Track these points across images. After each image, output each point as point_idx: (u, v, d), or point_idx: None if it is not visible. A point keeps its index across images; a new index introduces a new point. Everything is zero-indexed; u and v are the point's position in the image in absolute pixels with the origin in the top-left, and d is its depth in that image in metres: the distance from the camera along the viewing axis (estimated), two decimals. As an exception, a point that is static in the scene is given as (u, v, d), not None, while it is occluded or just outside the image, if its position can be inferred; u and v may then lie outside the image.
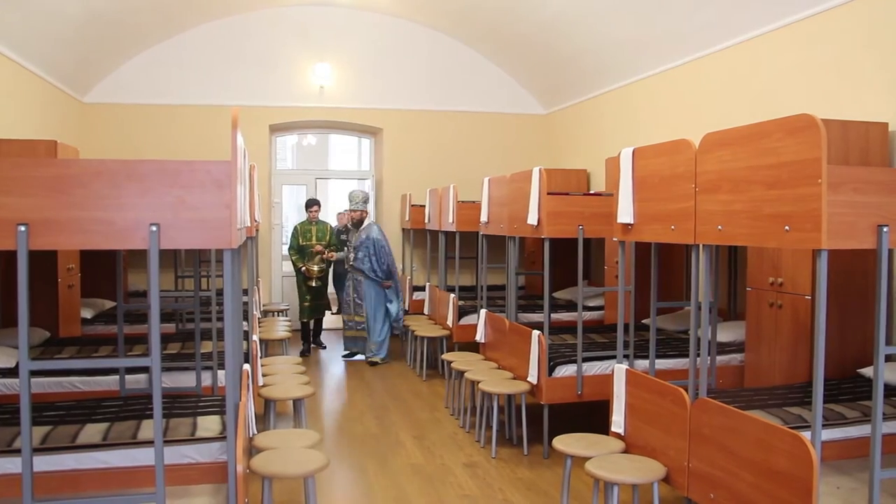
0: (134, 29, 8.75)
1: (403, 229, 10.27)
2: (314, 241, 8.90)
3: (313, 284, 8.86)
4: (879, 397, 2.85)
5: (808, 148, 2.79)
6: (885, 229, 2.82)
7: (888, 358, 4.44)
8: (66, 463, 3.24)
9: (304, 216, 9.23)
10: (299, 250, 8.91)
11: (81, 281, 6.54)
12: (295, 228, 9.07)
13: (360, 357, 8.66)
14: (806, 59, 5.55)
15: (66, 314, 6.06)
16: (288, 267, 11.18)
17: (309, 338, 9.25)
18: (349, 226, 8.57)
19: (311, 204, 9.12)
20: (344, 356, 8.74)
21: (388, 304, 8.38)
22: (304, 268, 8.82)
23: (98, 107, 9.48)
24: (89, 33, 7.90)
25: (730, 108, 6.41)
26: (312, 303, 9.01)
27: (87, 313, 6.81)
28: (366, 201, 8.37)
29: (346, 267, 8.49)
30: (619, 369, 4.23)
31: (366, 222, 8.36)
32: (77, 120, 9.13)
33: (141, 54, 9.55)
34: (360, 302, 8.35)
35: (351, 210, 8.37)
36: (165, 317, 6.81)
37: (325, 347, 9.42)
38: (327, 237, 8.99)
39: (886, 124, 4.69)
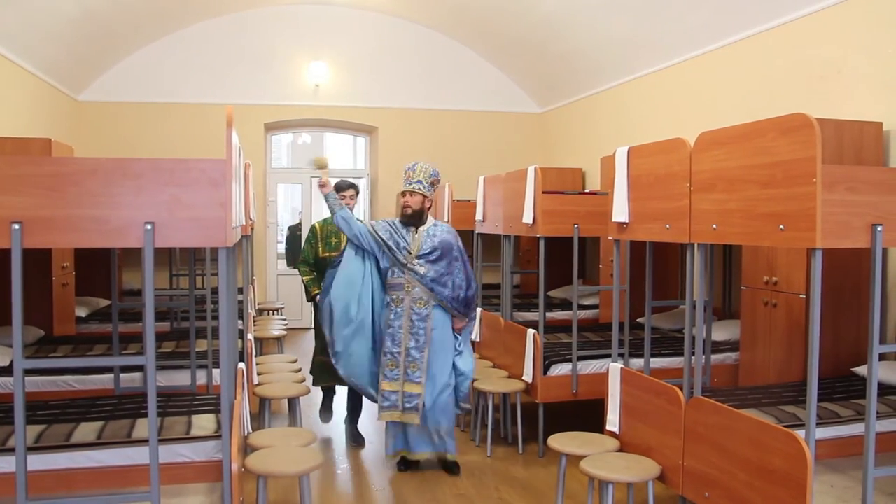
0: (129, 27, 8.73)
1: (399, 228, 10.27)
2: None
3: None
4: (873, 396, 2.86)
5: (803, 147, 2.80)
6: (879, 228, 2.83)
7: (882, 357, 4.45)
8: (60, 462, 3.23)
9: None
10: (316, 264, 5.50)
11: (76, 279, 6.53)
12: (312, 229, 5.62)
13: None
14: (801, 59, 5.56)
15: (60, 313, 6.05)
16: (283, 265, 11.19)
17: (331, 407, 5.84)
18: (399, 221, 4.95)
19: (345, 187, 5.46)
20: (402, 466, 4.96)
21: (457, 356, 4.90)
22: (319, 296, 5.05)
23: (93, 105, 9.46)
24: (84, 31, 7.88)
25: (725, 108, 6.42)
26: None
27: (81, 312, 6.80)
28: (434, 183, 5.01)
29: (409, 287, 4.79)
30: (614, 368, 4.24)
31: (430, 218, 5.01)
32: (71, 118, 9.10)
33: (136, 52, 9.53)
34: (418, 355, 4.74)
35: (410, 193, 4.90)
36: (160, 315, 6.79)
37: (362, 444, 5.53)
38: None
39: (881, 124, 4.70)
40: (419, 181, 4.89)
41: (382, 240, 4.81)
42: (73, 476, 3.23)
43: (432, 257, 4.80)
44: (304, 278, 5.53)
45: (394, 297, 4.81)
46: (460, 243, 4.96)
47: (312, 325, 5.58)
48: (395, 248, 4.80)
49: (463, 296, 4.83)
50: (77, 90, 9.25)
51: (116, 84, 9.52)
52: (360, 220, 4.99)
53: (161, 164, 2.56)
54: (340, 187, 5.43)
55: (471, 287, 4.88)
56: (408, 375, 4.74)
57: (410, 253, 4.79)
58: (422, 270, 4.76)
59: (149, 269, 2.55)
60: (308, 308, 10.67)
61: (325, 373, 5.41)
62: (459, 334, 4.91)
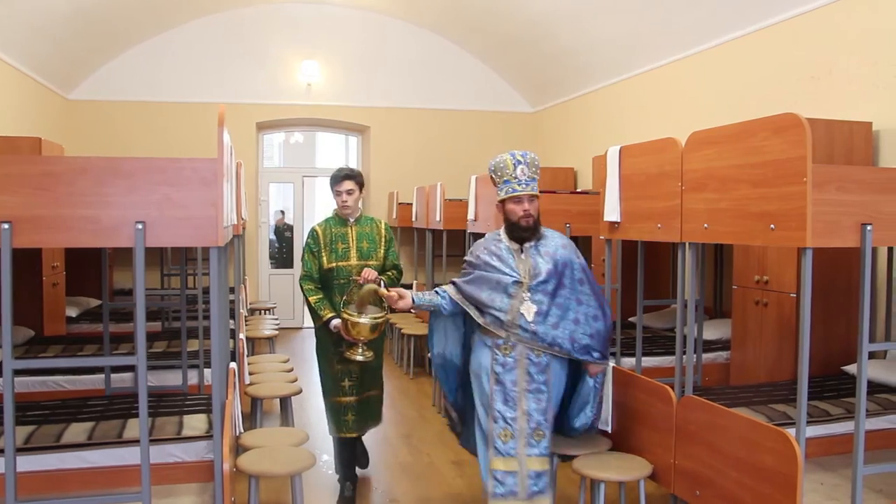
0: (120, 25, 8.70)
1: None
2: (354, 262, 4.28)
3: (359, 357, 4.09)
4: (863, 394, 2.88)
5: (794, 147, 2.81)
6: (868, 228, 2.85)
7: (871, 355, 4.48)
8: (50, 463, 3.22)
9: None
10: (322, 279, 4.30)
11: (66, 279, 6.50)
12: (312, 234, 4.35)
13: None
14: (792, 59, 5.58)
15: (50, 312, 6.02)
16: (277, 267, 11.18)
17: (352, 465, 4.56)
18: (502, 235, 3.55)
19: (345, 177, 4.31)
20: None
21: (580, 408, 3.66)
22: (334, 320, 4.15)
23: (83, 104, 9.43)
24: (75, 29, 7.85)
25: (716, 107, 6.44)
26: (359, 397, 4.40)
27: (72, 312, 6.77)
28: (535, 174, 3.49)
29: (520, 329, 3.40)
30: (606, 367, 4.24)
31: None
32: (62, 117, 9.07)
33: (127, 51, 9.51)
34: (543, 419, 3.46)
35: (529, 198, 3.45)
36: (151, 315, 6.77)
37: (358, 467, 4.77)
38: (381, 247, 4.38)
39: (870, 123, 4.72)
40: (533, 180, 3.47)
41: (484, 262, 3.49)
42: (64, 477, 3.22)
43: (550, 286, 3.40)
44: (309, 298, 4.25)
45: (500, 340, 3.44)
46: (580, 255, 3.56)
47: (316, 357, 4.50)
48: (506, 271, 3.43)
49: (600, 330, 3.46)
50: (67, 89, 9.21)
51: (107, 83, 9.49)
52: (446, 287, 3.64)
53: (152, 163, 2.55)
54: (336, 178, 4.31)
55: (606, 315, 3.50)
56: (531, 447, 3.41)
57: (521, 283, 3.39)
58: (538, 308, 3.38)
59: (140, 269, 2.54)
60: (301, 308, 10.66)
61: (344, 419, 4.37)
62: (592, 377, 3.57)
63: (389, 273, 4.38)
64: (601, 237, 4.29)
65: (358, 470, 4.79)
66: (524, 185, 3.43)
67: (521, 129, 10.70)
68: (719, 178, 3.24)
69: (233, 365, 4.35)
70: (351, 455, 4.54)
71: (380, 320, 4.00)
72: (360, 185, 4.38)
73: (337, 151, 11.80)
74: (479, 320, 3.47)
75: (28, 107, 7.82)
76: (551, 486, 3.54)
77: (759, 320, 4.86)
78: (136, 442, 3.22)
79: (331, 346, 4.30)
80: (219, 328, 2.80)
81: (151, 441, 3.19)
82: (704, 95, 6.69)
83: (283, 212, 11.43)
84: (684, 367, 3.71)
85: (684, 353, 3.75)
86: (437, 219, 7.73)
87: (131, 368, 4.56)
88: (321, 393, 4.52)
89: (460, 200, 7.49)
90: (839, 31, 5.14)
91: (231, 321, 5.45)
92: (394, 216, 9.78)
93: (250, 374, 5.46)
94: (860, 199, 2.85)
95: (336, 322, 4.15)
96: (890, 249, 4.53)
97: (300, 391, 5.10)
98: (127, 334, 5.73)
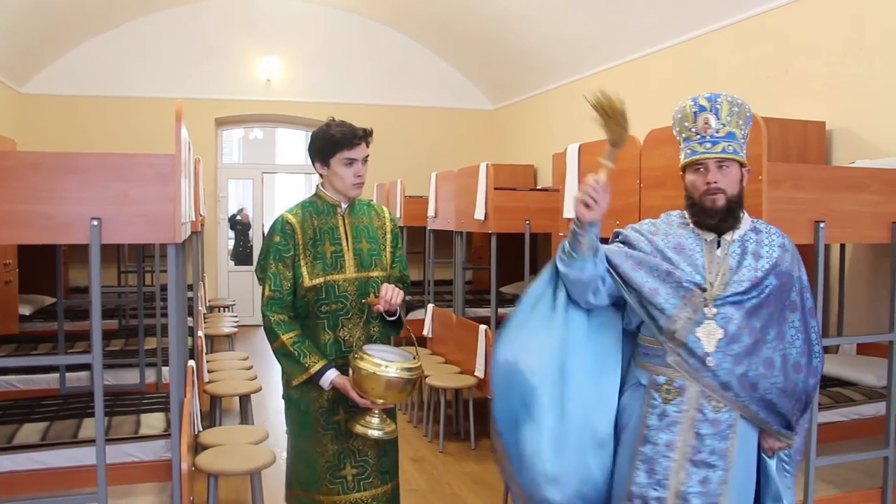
0: (76, 17, 8.53)
1: (352, 224, 10.24)
2: (351, 274, 2.69)
3: (374, 432, 2.56)
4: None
5: (750, 145, 2.84)
6: (821, 225, 2.91)
7: (824, 350, 4.57)
8: (2, 464, 3.16)
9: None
10: (300, 304, 2.67)
11: (19, 276, 6.36)
12: (281, 227, 2.68)
13: None
14: (748, 59, 5.68)
15: (2, 311, 5.90)
16: (238, 263, 11.06)
17: None
18: (686, 221, 2.35)
19: (363, 138, 2.80)
20: None
21: None
22: (329, 372, 2.60)
23: (37, 97, 9.23)
24: (29, 21, 7.68)
25: (674, 106, 6.50)
26: (371, 493, 2.75)
27: (25, 310, 6.63)
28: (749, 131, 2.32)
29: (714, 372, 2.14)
30: (566, 363, 4.27)
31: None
32: (14, 111, 8.86)
33: (83, 44, 9.32)
34: None
35: (718, 163, 2.24)
36: (108, 313, 6.67)
37: None
38: (386, 249, 2.82)
39: (824, 123, 4.82)
40: (731, 135, 2.26)
41: (656, 247, 2.30)
42: (16, 479, 3.16)
43: (750, 302, 2.19)
44: (281, 337, 2.63)
45: (661, 378, 2.23)
46: (803, 267, 2.40)
47: (288, 432, 2.98)
48: (685, 269, 2.23)
49: (798, 386, 2.24)
50: (20, 82, 9.01)
51: (62, 76, 9.30)
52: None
53: (108, 158, 2.51)
54: (347, 138, 2.76)
55: (813, 367, 2.30)
56: None
57: (705, 290, 2.19)
58: (724, 330, 2.16)
59: (95, 266, 2.50)
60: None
61: None
62: (770, 456, 2.29)
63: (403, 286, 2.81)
64: (560, 234, 4.32)
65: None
66: (709, 144, 2.23)
67: (481, 126, 10.73)
68: (677, 176, 3.25)
69: (191, 363, 4.31)
70: None
71: (414, 373, 2.53)
72: (368, 143, 2.86)
73: (297, 147, 11.72)
74: (638, 310, 2.22)
75: (-22, 100, 7.64)
76: None
77: (716, 316, 4.93)
78: (91, 442, 3.17)
79: (320, 415, 2.73)
80: (177, 326, 2.76)
81: (108, 440, 3.14)
82: (662, 94, 6.77)
83: (242, 208, 11.34)
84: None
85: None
86: (398, 215, 7.72)
87: (87, 367, 4.49)
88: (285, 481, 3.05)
89: (420, 197, 7.49)
90: (795, 32, 5.24)
91: (189, 319, 5.39)
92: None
93: (209, 371, 5.41)
94: (814, 196, 2.91)
95: (334, 377, 2.61)
96: (842, 246, 4.64)
97: (260, 389, 5.07)
98: (82, 332, 5.64)
